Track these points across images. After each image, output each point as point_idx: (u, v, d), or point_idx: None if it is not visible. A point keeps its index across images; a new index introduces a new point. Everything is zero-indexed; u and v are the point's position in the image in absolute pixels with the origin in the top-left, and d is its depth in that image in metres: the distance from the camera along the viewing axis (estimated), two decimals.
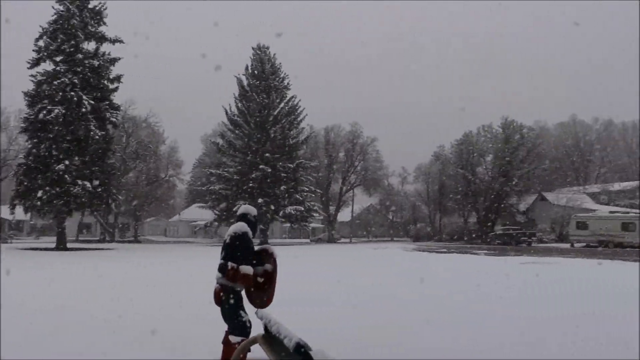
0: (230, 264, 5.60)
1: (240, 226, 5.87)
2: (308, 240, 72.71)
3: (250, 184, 50.83)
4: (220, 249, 5.90)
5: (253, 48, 55.90)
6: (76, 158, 37.65)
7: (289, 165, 52.83)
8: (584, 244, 46.41)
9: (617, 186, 66.51)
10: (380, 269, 21.73)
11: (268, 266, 5.89)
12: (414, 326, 8.71)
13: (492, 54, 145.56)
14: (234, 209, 43.27)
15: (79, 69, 38.85)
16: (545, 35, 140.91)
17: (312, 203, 55.72)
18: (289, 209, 52.21)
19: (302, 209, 52.92)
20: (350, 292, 13.29)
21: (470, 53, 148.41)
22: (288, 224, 59.06)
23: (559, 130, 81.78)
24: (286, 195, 52.57)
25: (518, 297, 12.60)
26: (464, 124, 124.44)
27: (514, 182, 61.02)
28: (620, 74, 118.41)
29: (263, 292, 5.83)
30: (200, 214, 65.63)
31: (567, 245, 47.40)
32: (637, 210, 52.33)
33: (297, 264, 21.87)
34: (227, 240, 5.79)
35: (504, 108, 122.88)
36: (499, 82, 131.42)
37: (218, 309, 5.74)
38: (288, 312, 6.60)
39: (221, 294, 5.67)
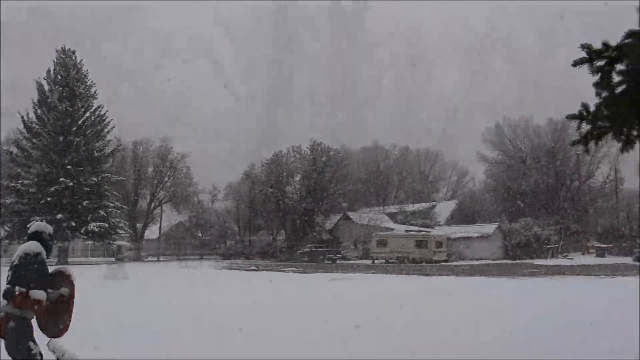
0: (18, 288, 4.97)
1: (32, 246, 5.25)
2: (113, 259, 68.86)
3: (49, 198, 47.00)
4: (7, 271, 5.23)
5: (57, 51, 51.98)
6: None
7: (94, 179, 49.77)
8: (384, 261, 49.70)
9: (411, 207, 72.36)
10: (201, 290, 21.19)
11: (64, 290, 5.32)
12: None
13: (293, 80, 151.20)
14: (29, 226, 39.57)
15: None
16: (346, 66, 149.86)
17: (118, 219, 52.99)
18: (92, 226, 49.16)
19: (107, 225, 50.14)
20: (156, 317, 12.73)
21: (276, 74, 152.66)
22: (91, 242, 55.56)
23: (362, 154, 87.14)
24: (89, 211, 49.48)
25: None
26: (276, 144, 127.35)
27: (320, 202, 63.62)
28: (417, 106, 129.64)
29: (58, 320, 5.24)
30: None
31: (369, 262, 50.37)
32: (429, 229, 57.51)
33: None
34: (16, 262, 5.15)
35: (313, 131, 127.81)
36: (312, 107, 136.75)
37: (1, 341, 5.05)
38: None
39: (4, 324, 4.99)
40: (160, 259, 68.85)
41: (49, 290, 5.27)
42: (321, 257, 53.53)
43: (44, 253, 5.31)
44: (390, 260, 49.08)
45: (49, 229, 5.66)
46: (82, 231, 49.38)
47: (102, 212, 50.35)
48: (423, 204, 74.70)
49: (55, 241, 6.49)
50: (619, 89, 4.45)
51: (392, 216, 68.17)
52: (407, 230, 54.73)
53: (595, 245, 53.18)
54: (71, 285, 5.37)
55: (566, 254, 53.44)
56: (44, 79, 51.15)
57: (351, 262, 53.54)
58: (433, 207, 72.83)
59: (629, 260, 38.74)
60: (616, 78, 4.41)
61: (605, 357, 7.55)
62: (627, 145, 4.83)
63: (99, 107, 52.89)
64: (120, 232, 53.91)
